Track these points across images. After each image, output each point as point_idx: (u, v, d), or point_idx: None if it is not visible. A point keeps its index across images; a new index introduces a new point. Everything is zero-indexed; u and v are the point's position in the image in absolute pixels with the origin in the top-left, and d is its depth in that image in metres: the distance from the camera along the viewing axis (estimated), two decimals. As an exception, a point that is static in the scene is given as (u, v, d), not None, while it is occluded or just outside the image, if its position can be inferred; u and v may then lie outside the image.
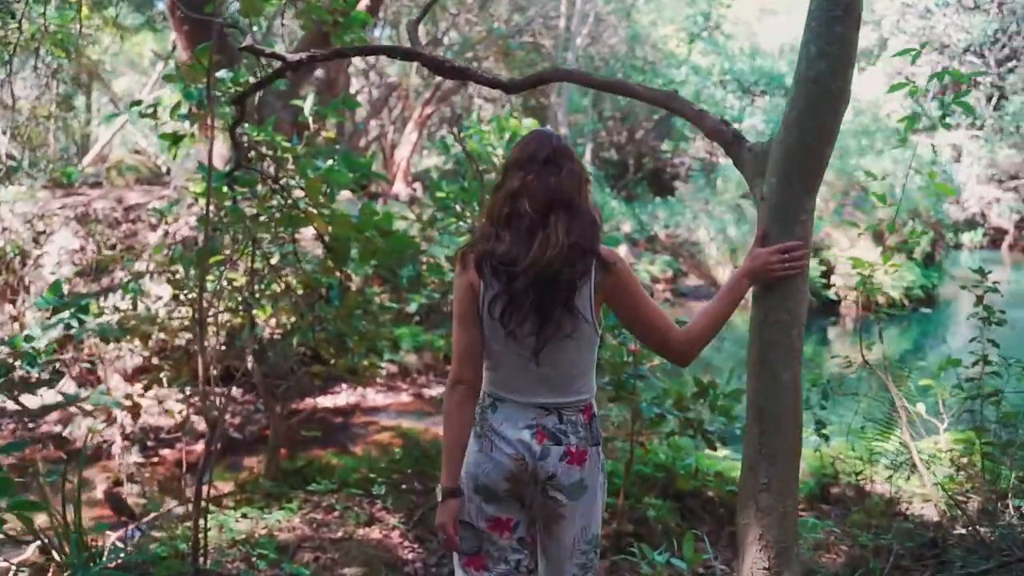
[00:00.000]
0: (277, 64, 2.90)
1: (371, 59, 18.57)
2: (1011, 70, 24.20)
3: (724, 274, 17.28)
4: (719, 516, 4.95)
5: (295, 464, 5.47)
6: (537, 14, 18.14)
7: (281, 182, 3.97)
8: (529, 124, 5.34)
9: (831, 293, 15.05)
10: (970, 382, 4.32)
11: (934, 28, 24.00)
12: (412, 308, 6.55)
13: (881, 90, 23.85)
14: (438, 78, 16.30)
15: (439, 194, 5.10)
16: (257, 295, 4.97)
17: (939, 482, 4.15)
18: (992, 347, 4.30)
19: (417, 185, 16.56)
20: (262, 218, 4.08)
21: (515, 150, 2.19)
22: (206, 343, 5.84)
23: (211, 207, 4.23)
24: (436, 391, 9.05)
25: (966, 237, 24.36)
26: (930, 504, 4.78)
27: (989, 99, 24.79)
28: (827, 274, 15.47)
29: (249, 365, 5.05)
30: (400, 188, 15.97)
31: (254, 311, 4.97)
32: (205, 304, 4.49)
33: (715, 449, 4.48)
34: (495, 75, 2.78)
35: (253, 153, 4.25)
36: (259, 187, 4.13)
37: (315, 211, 3.77)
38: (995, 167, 24.51)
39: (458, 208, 5.09)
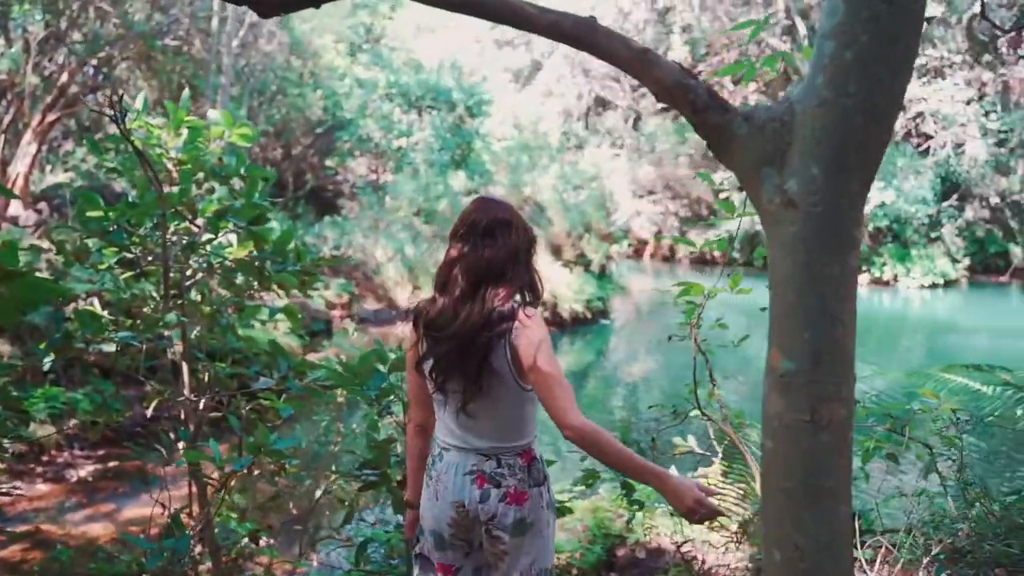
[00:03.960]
0: None
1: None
2: (644, 95, 26.41)
3: (403, 295, 16.34)
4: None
5: None
6: (183, 14, 15.99)
7: None
8: (216, 117, 3.98)
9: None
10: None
11: (580, 53, 25.42)
12: (46, 365, 4.71)
13: (538, 109, 24.82)
14: (63, 78, 13.62)
15: (92, 214, 3.52)
16: None
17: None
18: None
19: (43, 206, 13.67)
20: None
21: (459, 218, 2.26)
22: None
23: None
24: (85, 471, 7.00)
25: (613, 249, 26.25)
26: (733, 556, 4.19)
27: (626, 120, 26.89)
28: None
29: None
30: (18, 210, 13.02)
31: None
32: None
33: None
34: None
35: None
36: None
37: None
38: (636, 183, 26.58)
39: (124, 235, 3.57)
